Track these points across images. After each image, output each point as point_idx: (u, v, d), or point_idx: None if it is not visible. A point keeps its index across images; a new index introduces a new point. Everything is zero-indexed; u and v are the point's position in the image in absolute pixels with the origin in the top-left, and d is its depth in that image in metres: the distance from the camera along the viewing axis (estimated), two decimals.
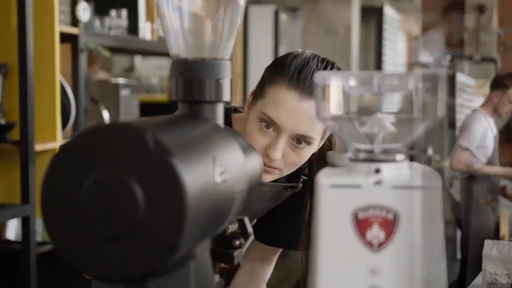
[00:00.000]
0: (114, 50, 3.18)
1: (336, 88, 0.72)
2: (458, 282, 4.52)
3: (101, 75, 3.81)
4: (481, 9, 9.27)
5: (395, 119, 0.72)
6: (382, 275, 0.69)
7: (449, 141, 7.11)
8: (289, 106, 1.23)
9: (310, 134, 1.25)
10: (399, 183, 0.69)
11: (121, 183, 0.62)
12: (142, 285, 0.63)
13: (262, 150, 1.26)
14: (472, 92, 7.82)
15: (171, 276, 0.66)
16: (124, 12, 3.00)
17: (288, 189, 1.42)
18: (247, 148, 0.87)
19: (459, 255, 4.84)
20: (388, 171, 0.70)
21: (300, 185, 1.41)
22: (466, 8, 9.38)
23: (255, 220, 1.52)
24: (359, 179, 0.69)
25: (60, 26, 2.56)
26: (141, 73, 5.52)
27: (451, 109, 6.96)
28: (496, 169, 4.35)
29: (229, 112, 1.43)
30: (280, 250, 1.53)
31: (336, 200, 0.69)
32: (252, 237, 0.88)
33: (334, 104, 0.73)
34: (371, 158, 0.71)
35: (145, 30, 3.20)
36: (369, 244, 0.69)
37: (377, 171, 0.70)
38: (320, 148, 1.35)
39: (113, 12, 3.01)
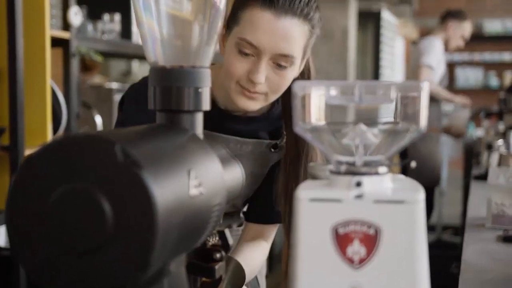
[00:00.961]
0: (107, 54, 3.16)
1: (316, 98, 0.70)
2: None
3: (97, 79, 3.78)
4: None
5: (377, 131, 0.70)
6: None
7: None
8: (266, 26, 1.20)
9: (291, 52, 1.22)
10: (381, 197, 0.66)
11: (88, 196, 0.59)
12: None
13: (244, 76, 1.24)
14: (394, 30, 7.85)
15: None
16: (117, 16, 2.98)
17: (272, 149, 1.40)
18: (227, 159, 0.84)
19: None
20: (370, 184, 0.67)
21: (283, 143, 1.39)
22: None
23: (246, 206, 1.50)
24: (340, 192, 0.67)
25: (52, 30, 2.53)
26: (138, 77, 5.49)
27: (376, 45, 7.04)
28: (451, 96, 4.39)
29: None
30: (274, 227, 1.49)
31: (315, 214, 0.67)
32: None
33: (314, 114, 0.70)
34: (352, 170, 0.69)
35: (139, 35, 3.17)
36: (350, 261, 0.66)
37: (358, 184, 0.67)
38: (300, 73, 1.33)
39: (106, 16, 2.99)
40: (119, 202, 0.59)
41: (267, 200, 1.42)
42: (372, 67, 7.31)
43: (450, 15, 4.39)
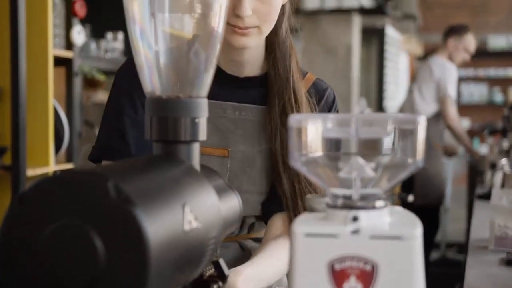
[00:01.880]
0: (110, 73, 3.16)
1: (312, 130, 0.69)
2: None
3: (101, 95, 3.79)
4: None
5: (374, 164, 0.69)
6: None
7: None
8: None
9: None
10: (378, 232, 0.65)
11: (81, 233, 0.59)
12: None
13: (230, 13, 1.18)
14: (398, 46, 7.85)
15: None
16: (120, 35, 2.99)
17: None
18: (224, 189, 0.83)
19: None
20: (367, 219, 0.67)
21: None
22: None
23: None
24: (336, 227, 0.66)
25: (55, 50, 2.53)
26: None
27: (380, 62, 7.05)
28: (470, 144, 4.43)
29: None
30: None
31: (311, 249, 0.66)
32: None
33: (310, 147, 0.70)
34: (349, 204, 0.68)
35: None
36: None
37: (355, 219, 0.66)
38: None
39: (109, 35, 3.00)
40: (111, 239, 0.58)
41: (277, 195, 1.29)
42: (376, 83, 7.30)
43: (450, 31, 4.41)
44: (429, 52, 9.85)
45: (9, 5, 2.36)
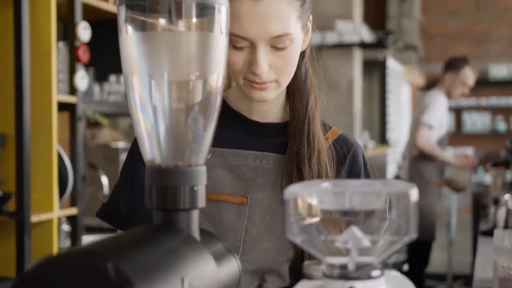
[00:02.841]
0: (113, 115, 3.20)
1: (307, 202, 0.70)
2: (408, 263, 4.45)
3: (106, 132, 3.81)
4: None
5: (370, 234, 0.70)
6: None
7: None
8: (248, 14, 1.12)
9: (284, 31, 1.14)
10: None
11: None
12: None
13: (247, 70, 1.16)
14: (400, 77, 7.87)
15: None
16: (123, 78, 3.02)
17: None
18: (223, 254, 0.85)
19: None
20: None
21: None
22: None
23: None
24: None
25: (58, 95, 2.57)
26: None
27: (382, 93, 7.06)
28: (452, 159, 4.37)
29: None
30: None
31: None
32: None
33: (306, 219, 0.71)
34: (345, 275, 0.69)
35: None
36: None
37: None
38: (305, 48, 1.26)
39: (112, 78, 3.03)
40: None
41: None
42: (378, 115, 7.34)
43: (448, 65, 4.45)
44: (430, 83, 9.91)
45: (14, 51, 2.39)
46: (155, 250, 0.69)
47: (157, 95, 0.80)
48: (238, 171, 1.26)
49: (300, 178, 1.22)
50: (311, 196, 0.70)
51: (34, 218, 2.40)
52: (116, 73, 3.05)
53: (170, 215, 0.79)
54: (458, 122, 10.16)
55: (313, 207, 0.71)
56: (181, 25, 0.81)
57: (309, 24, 1.25)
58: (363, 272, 0.69)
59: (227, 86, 1.63)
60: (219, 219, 1.23)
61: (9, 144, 2.44)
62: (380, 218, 0.70)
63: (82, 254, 0.62)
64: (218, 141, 0.82)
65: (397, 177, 4.48)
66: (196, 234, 0.80)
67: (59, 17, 2.70)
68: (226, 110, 1.31)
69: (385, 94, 7.28)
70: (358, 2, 5.57)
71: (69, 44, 2.68)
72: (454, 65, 4.33)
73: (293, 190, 0.71)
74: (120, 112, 3.09)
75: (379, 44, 5.79)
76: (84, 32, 2.67)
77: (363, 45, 5.51)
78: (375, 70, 7.21)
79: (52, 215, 2.49)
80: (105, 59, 2.89)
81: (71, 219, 2.70)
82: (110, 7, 2.91)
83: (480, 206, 4.51)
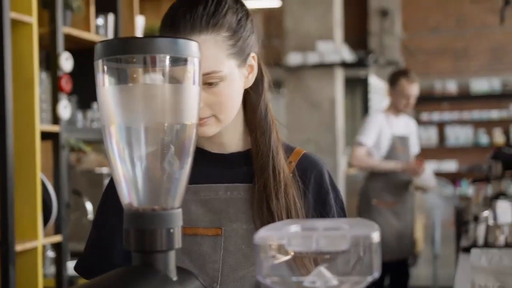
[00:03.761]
0: (96, 142, 3.23)
1: (276, 245, 0.75)
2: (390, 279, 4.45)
3: (91, 156, 3.83)
4: (384, 13, 9.51)
5: (336, 274, 0.75)
6: None
7: None
8: None
9: (212, 68, 1.17)
10: None
11: None
12: None
13: None
14: (382, 94, 7.95)
15: None
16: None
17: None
18: None
19: None
20: None
21: None
22: (370, 11, 9.65)
23: None
24: None
25: (41, 125, 2.60)
26: None
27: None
28: (392, 165, 4.19)
29: None
30: None
31: None
32: None
33: (276, 262, 0.75)
34: None
35: None
36: None
37: None
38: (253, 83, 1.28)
39: (95, 105, 3.07)
40: None
41: None
42: None
43: (388, 82, 4.48)
44: None
45: None
46: None
47: (133, 143, 0.84)
48: (211, 205, 1.29)
49: (269, 210, 1.26)
50: (281, 240, 0.75)
51: (19, 247, 2.42)
52: None
53: (148, 257, 0.83)
54: (441, 136, 10.27)
55: (283, 249, 0.76)
56: (156, 77, 0.85)
57: (253, 62, 1.28)
58: None
59: None
60: (196, 253, 1.27)
61: None
62: (345, 258, 0.75)
63: None
64: (190, 178, 0.86)
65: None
66: (173, 274, 0.84)
67: (42, 47, 2.74)
68: None
69: (368, 110, 7.36)
70: (338, 23, 5.65)
71: (52, 74, 2.72)
72: (391, 80, 4.37)
73: (263, 235, 0.75)
74: (102, 139, 3.12)
75: (360, 63, 5.87)
76: (66, 62, 2.71)
77: (345, 64, 5.59)
78: (357, 87, 7.30)
79: (36, 243, 2.51)
80: (88, 87, 2.93)
81: (56, 246, 2.73)
82: (92, 36, 2.95)
83: (462, 221, 4.54)
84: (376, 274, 0.74)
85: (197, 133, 0.89)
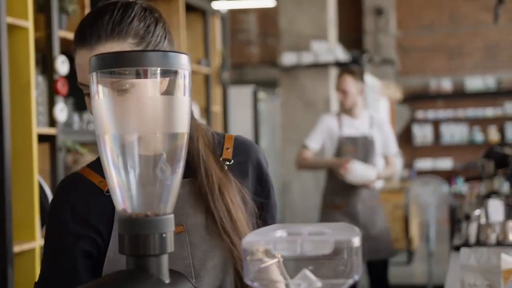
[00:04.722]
0: (93, 144, 3.26)
1: (262, 251, 0.79)
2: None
3: (88, 158, 3.85)
4: (378, 11, 9.55)
5: (320, 276, 0.79)
6: None
7: None
8: (85, 63, 1.19)
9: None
10: None
11: None
12: None
13: None
14: (378, 92, 7.99)
15: None
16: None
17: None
18: None
19: None
20: None
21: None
22: (365, 10, 9.70)
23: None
24: None
25: (38, 128, 2.63)
26: None
27: None
28: (325, 161, 4.14)
29: None
30: None
31: None
32: None
33: (262, 265, 0.79)
34: None
35: None
36: None
37: None
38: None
39: None
40: None
41: None
42: None
43: None
44: (408, 96, 10.09)
45: None
46: None
47: (127, 152, 0.88)
48: None
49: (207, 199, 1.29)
50: (267, 244, 0.79)
51: (17, 248, 2.46)
52: None
53: (141, 261, 0.87)
54: (437, 134, 10.33)
55: (269, 253, 0.80)
56: (148, 89, 0.89)
57: None
58: None
59: None
60: None
61: None
62: (328, 262, 0.79)
63: None
64: None
65: None
66: (165, 277, 0.88)
67: (38, 51, 2.78)
68: None
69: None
70: (332, 22, 5.69)
71: (48, 77, 2.75)
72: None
73: (250, 240, 0.79)
74: None
75: (354, 63, 5.91)
76: (62, 65, 2.74)
77: (339, 64, 5.63)
78: None
79: (34, 244, 2.55)
80: None
81: None
82: None
83: (456, 218, 4.58)
84: (357, 276, 0.78)
85: (187, 141, 0.93)
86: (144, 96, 0.90)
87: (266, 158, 1.42)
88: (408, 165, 10.06)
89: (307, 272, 0.79)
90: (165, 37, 1.26)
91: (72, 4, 2.87)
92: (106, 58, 0.88)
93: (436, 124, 10.29)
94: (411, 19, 10.21)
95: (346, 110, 4.12)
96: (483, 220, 3.03)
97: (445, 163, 10.24)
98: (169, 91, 0.89)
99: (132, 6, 1.23)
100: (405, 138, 10.29)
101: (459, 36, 10.06)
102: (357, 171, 3.95)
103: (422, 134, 10.26)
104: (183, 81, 0.89)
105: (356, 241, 0.76)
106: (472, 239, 2.92)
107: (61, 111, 2.72)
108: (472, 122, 10.12)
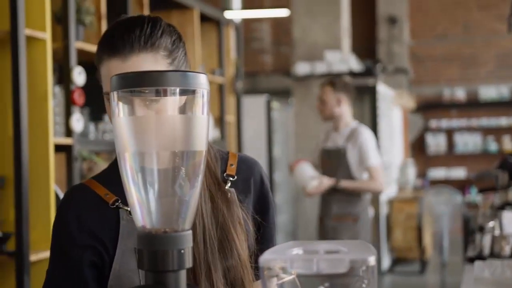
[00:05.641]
0: (108, 153, 3.29)
1: (279, 268, 0.80)
2: None
3: (102, 166, 3.89)
4: (392, 20, 9.52)
5: None
6: None
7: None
8: (117, 72, 1.15)
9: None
10: None
11: None
12: None
13: None
14: (391, 101, 7.96)
15: None
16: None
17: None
18: None
19: None
20: None
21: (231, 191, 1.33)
22: (378, 19, 9.68)
23: None
24: None
25: (55, 138, 2.66)
26: None
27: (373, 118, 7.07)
28: None
29: None
30: None
31: None
32: None
33: (279, 282, 0.81)
34: None
35: None
36: None
37: None
38: None
39: (106, 117, 3.14)
40: None
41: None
42: None
43: None
44: (421, 105, 10.07)
45: (12, 96, 2.50)
46: None
47: (146, 169, 0.90)
48: None
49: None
50: (284, 263, 0.80)
51: (33, 257, 2.49)
52: None
53: (159, 276, 0.89)
54: (450, 143, 10.29)
55: (286, 270, 0.81)
56: (167, 108, 0.91)
57: None
58: None
59: None
60: None
61: (8, 186, 2.54)
62: (344, 280, 0.80)
63: None
64: None
65: None
66: None
67: (55, 61, 2.81)
68: None
69: (376, 118, 7.38)
70: (346, 32, 5.70)
71: (65, 88, 2.79)
72: None
73: (267, 257, 0.80)
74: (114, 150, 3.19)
75: (367, 73, 5.92)
76: (79, 76, 2.78)
77: (353, 73, 5.64)
78: (365, 95, 7.32)
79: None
80: (100, 99, 2.99)
81: None
82: None
83: (469, 229, 4.56)
84: None
85: (206, 157, 0.94)
86: (163, 115, 0.91)
87: (268, 177, 1.43)
88: (421, 174, 10.03)
89: None
90: (185, 54, 1.30)
91: (89, 15, 2.90)
92: (127, 78, 0.90)
93: (449, 133, 10.25)
94: (425, 28, 10.20)
95: (332, 122, 4.14)
96: (497, 232, 3.03)
97: (459, 173, 10.20)
98: (187, 110, 0.91)
99: (159, 21, 1.26)
100: (418, 147, 10.27)
101: (472, 46, 10.04)
102: (297, 174, 4.00)
103: (436, 143, 10.23)
104: (202, 100, 0.91)
105: (372, 260, 0.78)
106: (486, 251, 2.92)
107: (78, 121, 2.75)
108: (486, 131, 10.08)
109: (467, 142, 10.15)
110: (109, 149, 3.15)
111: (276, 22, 9.86)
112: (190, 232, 0.91)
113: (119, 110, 0.90)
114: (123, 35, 1.23)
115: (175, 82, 0.89)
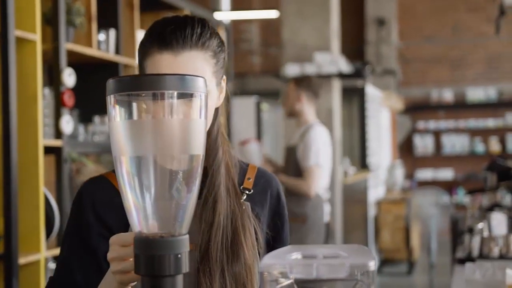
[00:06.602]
0: (97, 154, 3.27)
1: (278, 273, 0.80)
2: None
3: (91, 167, 3.87)
4: (380, 22, 9.57)
5: None
6: None
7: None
8: (167, 67, 1.21)
9: None
10: None
11: None
12: None
13: None
14: (379, 103, 8.00)
15: None
16: (107, 118, 3.10)
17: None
18: None
19: None
20: None
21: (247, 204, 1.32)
22: (367, 21, 9.72)
23: None
24: None
25: (44, 139, 2.64)
26: None
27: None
28: None
29: None
30: None
31: None
32: None
33: (278, 286, 0.80)
34: None
35: None
36: None
37: None
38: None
39: (96, 119, 3.12)
40: None
41: None
42: (358, 141, 7.46)
43: None
44: (409, 106, 10.10)
45: (1, 97, 2.48)
46: None
47: (143, 173, 0.89)
48: None
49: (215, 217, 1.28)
50: (283, 268, 0.80)
51: (22, 260, 2.46)
52: (100, 114, 3.13)
53: (157, 281, 0.88)
54: (438, 144, 10.33)
55: (285, 275, 0.81)
56: (164, 112, 0.91)
57: (223, 84, 1.34)
58: None
59: None
60: None
61: None
62: (344, 285, 0.80)
63: None
64: None
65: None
66: None
67: (45, 63, 2.79)
68: None
69: (365, 119, 7.41)
70: (335, 34, 5.71)
71: (55, 89, 2.77)
72: None
73: (267, 263, 0.80)
74: (105, 152, 3.17)
75: (357, 74, 5.93)
76: (68, 78, 2.76)
77: (342, 75, 5.64)
78: (354, 97, 7.34)
79: (39, 256, 2.56)
80: (90, 100, 2.98)
81: None
82: (94, 52, 3.01)
83: (457, 230, 4.57)
84: None
85: (203, 161, 0.94)
86: (161, 118, 0.91)
87: (283, 193, 1.42)
88: (409, 175, 10.06)
89: None
90: (224, 58, 1.31)
91: (79, 17, 2.89)
92: (124, 81, 0.89)
93: (437, 134, 10.29)
94: (413, 30, 10.24)
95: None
96: (486, 233, 3.04)
97: (446, 174, 10.24)
98: (185, 114, 0.90)
99: (207, 23, 1.28)
100: (406, 148, 10.30)
101: (461, 47, 10.08)
102: (245, 153, 4.04)
103: (423, 144, 10.27)
104: (199, 103, 0.90)
105: (372, 265, 0.77)
106: (476, 252, 2.92)
107: (67, 123, 2.74)
108: (473, 132, 10.13)
109: (455, 143, 10.19)
110: (99, 151, 3.13)
111: (265, 23, 9.86)
112: (187, 236, 0.90)
113: (116, 114, 0.89)
114: (175, 31, 1.23)
115: (173, 85, 0.88)
